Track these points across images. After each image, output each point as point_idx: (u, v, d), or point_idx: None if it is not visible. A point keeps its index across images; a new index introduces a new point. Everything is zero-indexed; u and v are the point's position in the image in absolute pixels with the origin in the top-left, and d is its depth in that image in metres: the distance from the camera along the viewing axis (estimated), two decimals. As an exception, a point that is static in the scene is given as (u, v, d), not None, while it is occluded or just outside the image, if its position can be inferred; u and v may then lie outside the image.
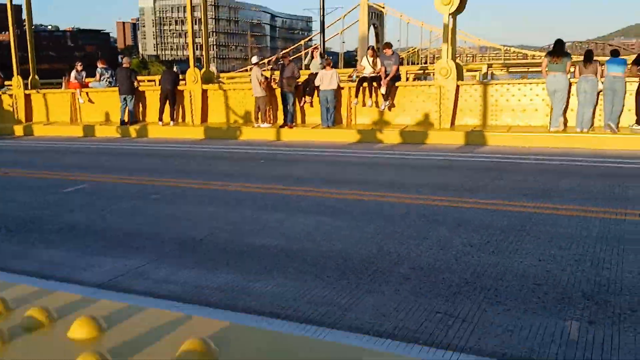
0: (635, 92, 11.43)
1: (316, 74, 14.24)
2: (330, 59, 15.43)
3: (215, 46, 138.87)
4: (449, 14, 12.87)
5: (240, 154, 12.24)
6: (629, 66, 11.66)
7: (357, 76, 14.32)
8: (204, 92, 16.20)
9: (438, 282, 4.33)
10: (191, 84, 16.11)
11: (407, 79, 19.12)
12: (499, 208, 6.54)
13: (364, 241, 5.42)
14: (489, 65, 35.71)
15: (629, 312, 3.68)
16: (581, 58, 12.44)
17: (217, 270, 4.76)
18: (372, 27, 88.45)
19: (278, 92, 14.78)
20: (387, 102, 13.76)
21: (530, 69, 48.39)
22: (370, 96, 14.00)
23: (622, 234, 5.39)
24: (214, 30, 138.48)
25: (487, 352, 3.26)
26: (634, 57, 12.38)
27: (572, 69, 12.16)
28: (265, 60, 46.51)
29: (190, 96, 16.17)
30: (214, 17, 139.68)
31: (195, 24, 17.37)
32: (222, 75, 39.02)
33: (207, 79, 16.50)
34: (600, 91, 11.67)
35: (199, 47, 20.97)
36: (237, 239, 5.64)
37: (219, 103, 16.26)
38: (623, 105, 11.53)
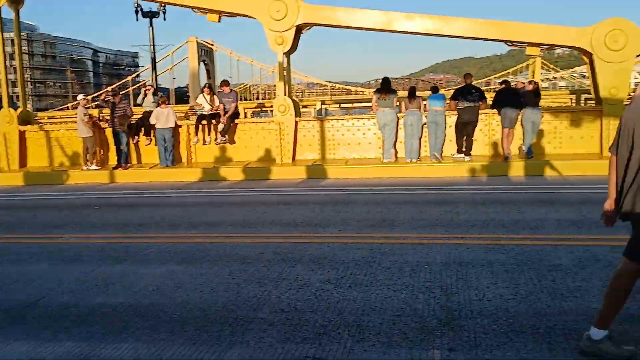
0: (454, 124, 12.66)
1: (151, 112, 13.67)
2: (164, 96, 14.96)
3: (30, 83, 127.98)
4: (283, 53, 13.25)
5: (69, 201, 11.18)
6: (448, 101, 12.90)
7: (200, 112, 14.03)
8: (22, 134, 14.75)
9: (302, 323, 4.24)
10: (5, 125, 14.55)
11: (246, 115, 19.24)
12: (349, 241, 6.69)
13: (221, 287, 5.16)
14: (323, 102, 37.60)
15: (482, 335, 3.90)
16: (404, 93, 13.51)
17: (55, 338, 4.17)
18: (202, 64, 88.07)
19: (110, 131, 13.91)
20: (225, 138, 13.65)
21: (355, 105, 51.80)
22: (209, 134, 13.78)
23: (463, 258, 5.78)
24: (28, 65, 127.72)
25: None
26: (451, 92, 13.73)
27: (398, 104, 13.13)
28: (90, 97, 43.66)
29: (5, 139, 14.56)
30: (28, 51, 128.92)
31: (6, 59, 15.76)
32: (40, 114, 35.88)
33: (25, 119, 15.04)
34: (425, 124, 12.73)
35: (10, 84, 19.07)
36: (78, 300, 5.03)
37: (40, 146, 14.87)
38: (445, 137, 12.70)
